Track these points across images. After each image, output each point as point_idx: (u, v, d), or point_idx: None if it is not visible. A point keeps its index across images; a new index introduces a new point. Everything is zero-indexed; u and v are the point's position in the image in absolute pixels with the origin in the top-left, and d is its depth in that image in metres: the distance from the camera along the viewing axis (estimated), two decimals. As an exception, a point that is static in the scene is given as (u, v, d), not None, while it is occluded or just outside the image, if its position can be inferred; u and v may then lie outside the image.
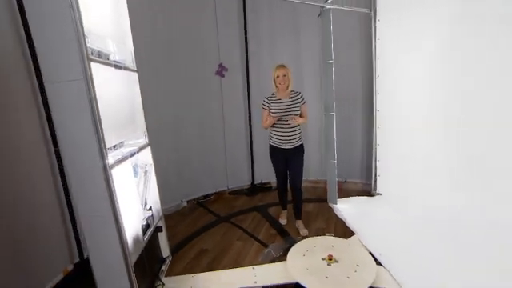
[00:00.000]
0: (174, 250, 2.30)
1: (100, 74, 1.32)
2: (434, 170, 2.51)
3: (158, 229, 1.87)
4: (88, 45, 1.28)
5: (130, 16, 2.33)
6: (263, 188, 3.62)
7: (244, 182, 3.64)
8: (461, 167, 2.33)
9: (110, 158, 1.40)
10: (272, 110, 2.36)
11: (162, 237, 1.97)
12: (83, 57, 1.17)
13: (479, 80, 2.13)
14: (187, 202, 3.27)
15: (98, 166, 1.25)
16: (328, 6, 2.41)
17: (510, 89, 1.99)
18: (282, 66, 2.35)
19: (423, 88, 2.47)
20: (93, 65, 1.24)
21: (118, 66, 1.49)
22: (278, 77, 2.35)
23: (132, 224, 1.47)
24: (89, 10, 1.32)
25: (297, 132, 2.41)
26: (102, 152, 1.25)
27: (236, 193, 3.55)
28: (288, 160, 2.47)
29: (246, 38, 3.29)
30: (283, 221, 2.73)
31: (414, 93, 2.53)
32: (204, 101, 3.22)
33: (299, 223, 2.58)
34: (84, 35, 1.17)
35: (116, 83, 1.50)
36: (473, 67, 2.15)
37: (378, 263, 1.82)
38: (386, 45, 2.66)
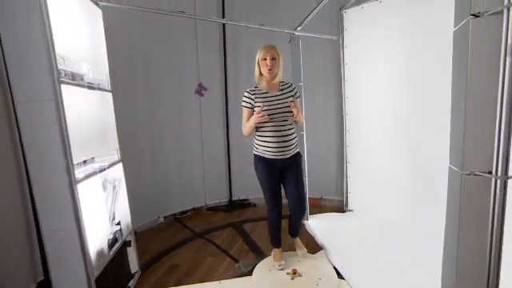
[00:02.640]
0: (146, 265, 2.31)
1: (72, 94, 1.42)
2: (390, 185, 2.67)
3: (127, 243, 1.90)
4: (62, 67, 1.38)
5: (109, 36, 2.45)
6: (241, 204, 3.68)
7: (222, 198, 3.69)
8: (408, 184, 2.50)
9: (80, 173, 1.47)
10: (258, 107, 1.79)
11: (131, 251, 2.00)
12: (54, 79, 1.26)
13: (428, 101, 2.35)
14: (164, 217, 3.28)
15: (64, 181, 1.31)
16: (297, 33, 2.61)
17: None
18: (272, 47, 1.83)
19: (384, 108, 2.67)
20: (64, 86, 1.33)
21: (90, 86, 1.58)
22: (264, 59, 1.81)
23: (97, 238, 1.51)
24: (65, 36, 1.43)
25: (294, 135, 1.90)
26: (68, 167, 1.31)
27: (214, 209, 3.59)
28: (284, 175, 1.93)
29: (225, 60, 3.46)
30: (279, 264, 2.03)
31: (376, 112, 2.73)
32: (183, 119, 3.32)
33: (297, 241, 2.22)
34: (55, 60, 1.27)
35: (89, 103, 1.59)
36: (423, 91, 2.37)
37: (341, 277, 1.90)
38: (353, 69, 2.88)
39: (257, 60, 1.87)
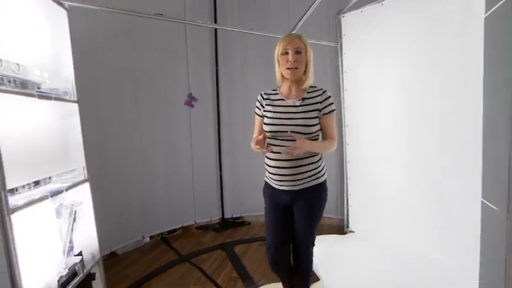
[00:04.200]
0: (121, 296, 2.06)
1: (14, 104, 1.20)
2: (397, 205, 2.38)
3: (91, 276, 1.65)
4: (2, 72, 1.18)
5: (90, 43, 2.27)
6: (234, 223, 3.40)
7: (213, 215, 3.43)
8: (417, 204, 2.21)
9: (24, 198, 1.24)
10: (265, 119, 1.39)
11: (98, 285, 1.74)
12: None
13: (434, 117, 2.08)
14: (150, 237, 3.03)
15: (-6, 211, 1.08)
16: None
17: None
18: (296, 36, 1.36)
19: (388, 120, 2.41)
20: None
21: (43, 96, 1.37)
22: (285, 53, 1.34)
23: (42, 277, 1.26)
24: (11, 39, 1.23)
25: (310, 161, 1.36)
26: (-1, 194, 1.08)
27: (204, 227, 3.32)
28: (292, 211, 1.44)
29: (216, 68, 3.26)
30: None
31: (379, 124, 2.47)
32: (171, 131, 3.10)
33: None
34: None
35: (41, 114, 1.37)
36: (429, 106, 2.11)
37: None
38: (352, 77, 2.64)
39: (276, 56, 1.38)
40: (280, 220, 1.45)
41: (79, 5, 1.69)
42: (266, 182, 1.50)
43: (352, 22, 2.59)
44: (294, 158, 1.32)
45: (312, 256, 1.54)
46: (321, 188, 1.43)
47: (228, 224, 3.37)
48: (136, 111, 2.82)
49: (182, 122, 3.18)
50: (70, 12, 1.66)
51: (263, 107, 1.44)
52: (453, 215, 1.94)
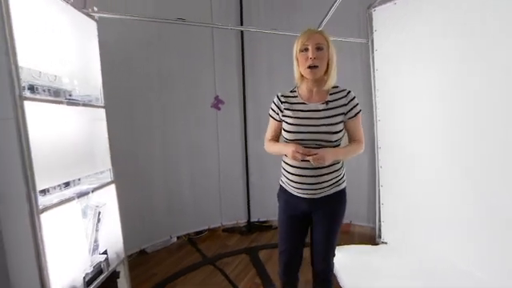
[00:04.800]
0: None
1: (44, 111, 1.29)
2: (437, 215, 2.13)
3: (115, 274, 1.72)
4: (38, 82, 1.27)
5: (118, 48, 2.39)
6: (260, 227, 3.36)
7: (240, 218, 3.42)
8: (476, 218, 1.94)
9: (54, 199, 1.32)
10: (285, 126, 1.29)
11: (122, 283, 1.81)
12: (15, 96, 1.14)
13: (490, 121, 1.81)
14: (177, 237, 3.11)
15: (24, 210, 1.16)
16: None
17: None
18: (317, 31, 1.24)
19: (425, 122, 2.18)
20: (32, 103, 1.21)
21: (71, 102, 1.45)
22: (305, 50, 1.22)
23: (68, 274, 1.33)
24: (45, 51, 1.33)
25: (333, 168, 1.29)
26: (29, 195, 1.16)
27: (230, 230, 3.33)
28: (312, 221, 1.38)
29: (243, 70, 3.26)
30: None
31: (415, 127, 2.24)
32: (198, 134, 3.16)
33: None
34: (18, 76, 1.15)
35: (69, 120, 1.46)
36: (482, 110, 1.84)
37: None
38: (385, 76, 2.45)
39: (294, 54, 1.27)
40: (294, 225, 1.38)
41: (107, 15, 1.78)
42: (281, 186, 1.42)
43: (384, 17, 2.40)
44: (316, 168, 1.24)
45: (333, 268, 1.44)
46: (341, 195, 1.36)
47: (254, 227, 3.34)
48: (163, 115, 2.90)
49: (208, 124, 3.22)
50: (101, 22, 1.76)
51: (282, 111, 1.33)
52: (500, 229, 1.69)
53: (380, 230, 2.59)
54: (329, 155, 1.19)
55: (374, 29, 2.46)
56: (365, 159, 2.94)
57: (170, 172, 3.00)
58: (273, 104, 1.38)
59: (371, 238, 2.77)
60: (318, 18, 2.42)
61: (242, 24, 3.17)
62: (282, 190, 1.41)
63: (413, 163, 2.30)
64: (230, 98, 3.28)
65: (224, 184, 3.33)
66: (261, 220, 3.41)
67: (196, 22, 2.11)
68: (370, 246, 2.52)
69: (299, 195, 1.32)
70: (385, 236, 2.54)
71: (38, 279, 1.20)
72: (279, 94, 1.37)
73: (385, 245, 2.52)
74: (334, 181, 1.31)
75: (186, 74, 3.03)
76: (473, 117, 1.86)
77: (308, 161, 1.19)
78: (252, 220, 3.39)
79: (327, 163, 1.21)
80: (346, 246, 2.55)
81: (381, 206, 2.57)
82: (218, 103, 3.22)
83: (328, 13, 2.14)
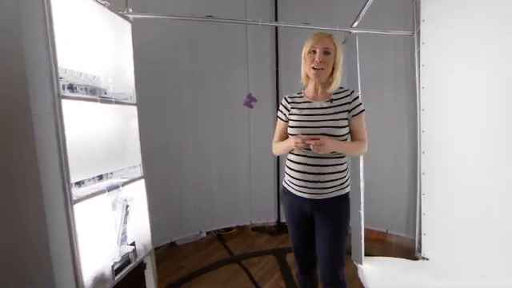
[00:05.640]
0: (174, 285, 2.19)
1: (80, 108, 1.38)
2: (491, 230, 1.85)
3: (142, 265, 1.79)
4: (77, 81, 1.36)
5: (153, 48, 2.49)
6: (290, 227, 3.29)
7: (269, 218, 3.38)
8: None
9: (88, 191, 1.41)
10: (291, 123, 1.34)
11: (149, 274, 1.88)
12: (54, 94, 1.22)
13: None
14: (207, 233, 3.18)
15: (59, 201, 1.25)
16: (354, 31, 2.13)
17: None
18: (327, 35, 1.28)
19: (474, 127, 1.91)
20: (69, 101, 1.30)
21: (105, 100, 1.53)
22: (313, 52, 1.28)
23: (97, 263, 1.41)
24: (83, 51, 1.42)
25: (336, 169, 1.29)
26: (64, 186, 1.25)
27: (260, 229, 3.31)
28: (314, 222, 1.36)
29: (277, 69, 3.19)
30: None
31: (464, 132, 1.98)
32: (230, 131, 3.18)
33: None
34: (57, 75, 1.23)
35: (103, 116, 1.54)
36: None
37: None
38: (432, 72, 2.20)
39: (303, 54, 1.33)
40: (301, 227, 1.40)
41: (142, 16, 1.85)
42: (284, 188, 1.43)
43: (434, 4, 2.14)
44: (319, 163, 1.26)
45: (343, 282, 1.36)
46: (345, 199, 1.34)
47: (283, 228, 3.27)
48: (195, 113, 2.96)
49: (240, 122, 3.23)
50: (137, 23, 1.83)
51: (288, 111, 1.40)
52: None
53: (420, 243, 2.35)
54: (330, 143, 1.21)
55: (422, 19, 2.21)
56: (403, 165, 2.70)
57: (201, 169, 3.07)
58: (280, 105, 1.45)
59: (410, 251, 2.53)
60: (356, 8, 2.26)
61: (276, 20, 3.10)
62: (285, 192, 1.42)
63: (461, 170, 2.04)
64: (263, 95, 3.24)
65: (255, 183, 3.32)
66: (290, 221, 3.33)
67: (225, 18, 2.08)
68: (408, 261, 2.30)
69: (300, 195, 1.32)
70: (426, 251, 2.30)
71: (71, 266, 1.29)
72: (287, 96, 1.46)
73: (426, 261, 2.27)
74: (337, 182, 1.30)
75: (219, 73, 3.05)
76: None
77: (310, 149, 1.21)
78: (282, 221, 3.32)
79: (328, 151, 1.22)
80: (380, 258, 2.36)
81: (422, 216, 2.32)
82: (250, 101, 3.20)
83: (365, 5, 1.97)
